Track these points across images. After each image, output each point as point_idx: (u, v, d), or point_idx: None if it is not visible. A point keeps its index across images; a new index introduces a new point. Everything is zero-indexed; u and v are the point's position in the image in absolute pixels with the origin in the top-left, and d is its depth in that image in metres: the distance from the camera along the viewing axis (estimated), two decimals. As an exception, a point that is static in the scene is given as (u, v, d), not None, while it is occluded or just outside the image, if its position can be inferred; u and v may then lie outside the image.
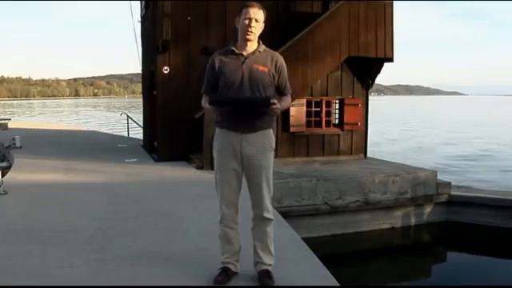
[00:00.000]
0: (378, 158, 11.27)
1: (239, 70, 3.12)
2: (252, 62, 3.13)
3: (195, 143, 8.80)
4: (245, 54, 3.14)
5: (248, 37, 3.10)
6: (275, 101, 3.06)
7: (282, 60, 3.22)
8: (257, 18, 3.07)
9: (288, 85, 3.28)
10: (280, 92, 3.26)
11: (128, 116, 17.32)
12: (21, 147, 11.99)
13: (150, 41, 10.83)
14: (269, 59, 3.17)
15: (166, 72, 9.73)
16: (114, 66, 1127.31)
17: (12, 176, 7.96)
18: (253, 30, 3.08)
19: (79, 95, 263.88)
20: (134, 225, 4.97)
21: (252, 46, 3.15)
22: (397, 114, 55.44)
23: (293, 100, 9.45)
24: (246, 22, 3.07)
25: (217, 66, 3.17)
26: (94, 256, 3.96)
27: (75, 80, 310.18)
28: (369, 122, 11.05)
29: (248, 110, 3.06)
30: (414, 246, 8.48)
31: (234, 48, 3.16)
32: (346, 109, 10.73)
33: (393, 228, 8.54)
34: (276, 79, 3.19)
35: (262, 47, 3.20)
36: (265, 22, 3.14)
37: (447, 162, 17.72)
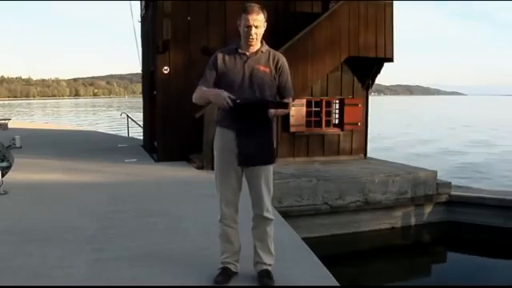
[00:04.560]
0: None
1: (241, 69, 3.12)
2: (254, 62, 3.13)
3: (195, 143, 8.80)
4: (247, 53, 3.15)
5: (250, 43, 3.11)
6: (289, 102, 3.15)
7: (283, 60, 3.21)
8: (256, 24, 3.04)
9: (289, 86, 3.24)
10: (280, 93, 3.23)
11: (128, 116, 17.31)
12: (21, 147, 12.00)
13: (150, 41, 10.83)
14: (271, 59, 3.16)
15: (166, 72, 9.73)
16: (114, 66, 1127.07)
17: (12, 176, 7.96)
18: (253, 36, 3.07)
19: (79, 95, 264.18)
20: (134, 225, 4.97)
21: (255, 46, 3.15)
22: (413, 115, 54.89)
23: (293, 100, 9.41)
24: (246, 29, 3.06)
25: (219, 62, 3.16)
26: (93, 256, 3.96)
27: (75, 80, 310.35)
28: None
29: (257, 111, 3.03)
30: (414, 245, 8.48)
31: (237, 47, 3.16)
32: (346, 109, 10.73)
33: (393, 228, 8.54)
34: (276, 79, 3.19)
35: (265, 47, 3.19)
36: (266, 21, 3.13)
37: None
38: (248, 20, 3.04)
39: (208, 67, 3.21)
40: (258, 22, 3.06)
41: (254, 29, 3.05)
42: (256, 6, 3.07)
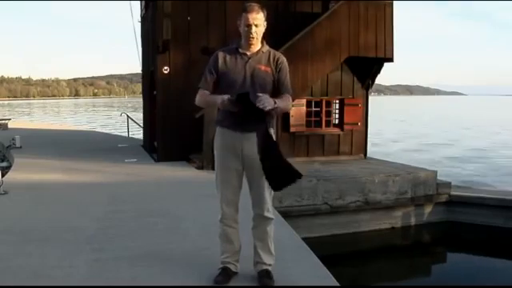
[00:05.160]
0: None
1: (242, 69, 3.12)
2: (255, 62, 3.13)
3: (195, 143, 8.80)
4: (248, 53, 3.14)
5: (250, 42, 3.11)
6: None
7: (283, 59, 3.21)
8: (256, 23, 3.05)
9: (287, 84, 3.20)
10: (278, 90, 3.16)
11: (128, 116, 17.32)
12: (21, 147, 12.00)
13: (150, 41, 10.83)
14: (271, 58, 3.16)
15: (166, 72, 9.73)
16: (114, 66, 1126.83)
17: (12, 176, 7.96)
18: (253, 35, 3.07)
19: (79, 95, 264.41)
20: (134, 225, 4.97)
21: (256, 46, 3.15)
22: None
23: (293, 100, 9.39)
24: (246, 28, 3.07)
25: (220, 63, 3.16)
26: (93, 256, 3.96)
27: (75, 80, 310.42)
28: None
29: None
30: (414, 245, 8.48)
31: (238, 47, 3.16)
32: (346, 109, 10.73)
33: (393, 228, 8.54)
34: (276, 77, 3.18)
35: (266, 47, 3.19)
36: (266, 20, 3.12)
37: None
38: (248, 19, 3.04)
39: (208, 68, 3.21)
40: (258, 20, 3.06)
41: (253, 27, 3.05)
42: (256, 5, 3.07)
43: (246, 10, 3.04)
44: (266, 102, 2.82)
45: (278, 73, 3.16)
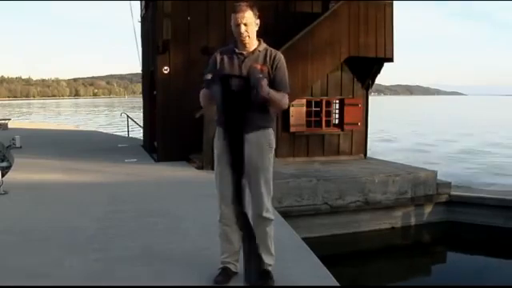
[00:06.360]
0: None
1: (238, 69, 3.12)
2: (251, 61, 3.13)
3: (195, 143, 8.80)
4: (244, 53, 3.15)
5: (243, 42, 3.11)
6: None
7: (280, 56, 3.18)
8: (245, 22, 3.05)
9: (285, 82, 3.15)
10: (274, 88, 3.09)
11: (128, 116, 17.32)
12: (21, 147, 12.00)
13: (150, 41, 10.83)
14: (267, 57, 3.15)
15: (166, 72, 9.73)
16: (114, 65, 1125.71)
17: (12, 176, 7.96)
18: (244, 34, 3.07)
19: (79, 95, 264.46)
20: (134, 225, 4.97)
21: (251, 45, 3.15)
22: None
23: (293, 100, 9.45)
24: (236, 28, 3.08)
25: (218, 64, 3.17)
26: (93, 256, 3.96)
27: (75, 80, 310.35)
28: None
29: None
30: (414, 245, 8.48)
31: (235, 47, 3.17)
32: (346, 109, 10.73)
33: (393, 228, 8.54)
34: (272, 76, 3.14)
35: (263, 46, 3.19)
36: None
37: None
38: (236, 19, 3.05)
39: (208, 70, 3.22)
40: (246, 19, 3.06)
41: (243, 27, 3.06)
42: (243, 5, 3.07)
43: (234, 11, 3.06)
44: (261, 82, 2.87)
45: (274, 71, 3.15)
